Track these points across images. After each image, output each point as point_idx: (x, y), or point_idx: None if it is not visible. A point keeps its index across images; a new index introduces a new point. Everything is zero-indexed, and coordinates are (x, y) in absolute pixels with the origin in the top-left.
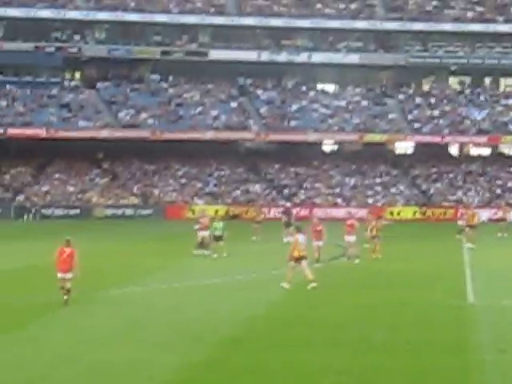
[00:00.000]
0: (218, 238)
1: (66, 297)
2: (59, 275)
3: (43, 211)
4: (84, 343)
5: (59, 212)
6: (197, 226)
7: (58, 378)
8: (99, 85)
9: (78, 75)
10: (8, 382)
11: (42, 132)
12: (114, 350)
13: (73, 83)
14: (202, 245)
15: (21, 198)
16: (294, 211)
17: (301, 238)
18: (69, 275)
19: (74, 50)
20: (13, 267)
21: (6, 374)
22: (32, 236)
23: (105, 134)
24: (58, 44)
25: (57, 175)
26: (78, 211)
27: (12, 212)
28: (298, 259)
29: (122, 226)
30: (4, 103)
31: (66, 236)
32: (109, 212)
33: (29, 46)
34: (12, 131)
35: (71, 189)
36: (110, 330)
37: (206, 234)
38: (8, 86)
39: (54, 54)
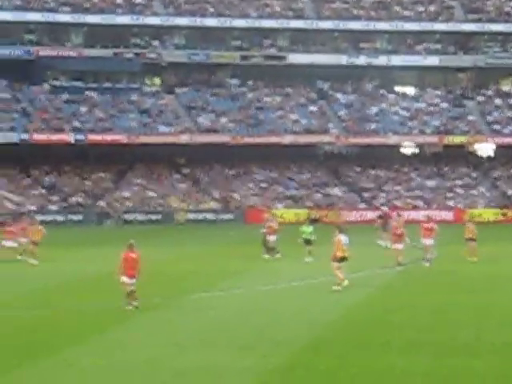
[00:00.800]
0: (306, 242)
1: (135, 302)
2: (125, 280)
3: (125, 216)
4: (167, 348)
5: (141, 217)
6: (264, 230)
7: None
8: (179, 90)
9: (157, 81)
10: None
11: (122, 138)
12: (196, 355)
13: (152, 89)
14: (269, 249)
15: (102, 203)
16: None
17: (343, 238)
18: (134, 280)
19: (154, 55)
20: (96, 273)
21: (96, 376)
22: (114, 241)
23: (185, 138)
24: (137, 50)
25: (137, 181)
26: (159, 216)
27: (94, 218)
28: (342, 259)
29: (203, 231)
30: (84, 109)
31: (146, 241)
32: (190, 217)
33: (108, 52)
34: (92, 137)
35: (152, 194)
36: (192, 335)
37: (273, 238)
38: (88, 93)
39: (134, 59)
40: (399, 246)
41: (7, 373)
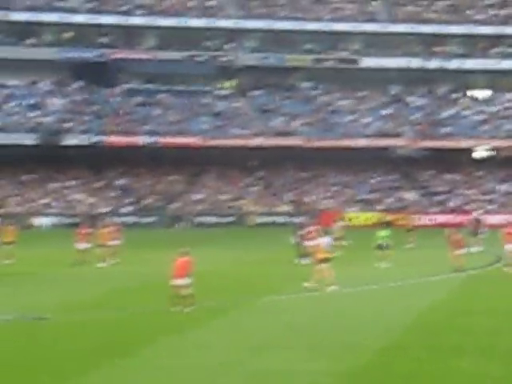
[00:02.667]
0: (379, 247)
1: (184, 307)
2: (173, 282)
3: (197, 219)
4: (243, 351)
5: (212, 220)
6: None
7: None
8: (251, 93)
9: (230, 84)
10: None
11: (195, 140)
12: (269, 357)
13: (225, 92)
14: (302, 254)
15: (174, 206)
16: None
17: (326, 240)
18: (183, 281)
19: (227, 58)
20: (170, 275)
21: (170, 377)
22: (186, 244)
23: (257, 141)
24: (211, 53)
25: (210, 183)
26: (231, 219)
27: (166, 220)
28: (323, 260)
29: (275, 234)
30: (158, 112)
31: (218, 244)
32: (261, 220)
33: (182, 55)
34: (166, 140)
35: (224, 197)
36: (264, 337)
37: (310, 243)
38: (161, 95)
39: (207, 62)
40: (460, 251)
41: (86, 373)
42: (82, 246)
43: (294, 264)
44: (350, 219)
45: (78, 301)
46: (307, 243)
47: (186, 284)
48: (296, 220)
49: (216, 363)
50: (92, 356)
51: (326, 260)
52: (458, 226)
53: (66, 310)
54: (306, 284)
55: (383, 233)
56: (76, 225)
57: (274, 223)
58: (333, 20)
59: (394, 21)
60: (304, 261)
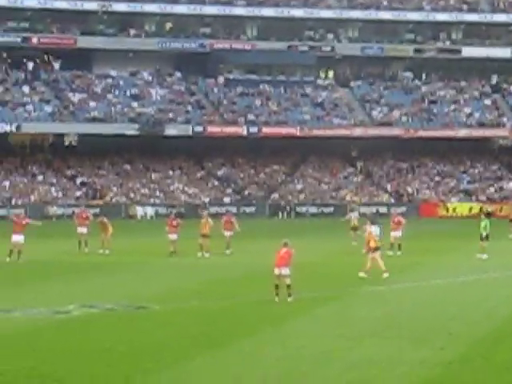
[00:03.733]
0: (481, 238)
1: (287, 297)
2: (275, 271)
3: (297, 209)
4: (340, 340)
5: (313, 210)
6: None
7: (319, 375)
8: (352, 83)
9: (331, 74)
10: (272, 375)
11: (295, 131)
12: (369, 347)
13: (326, 82)
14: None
15: (275, 196)
16: None
17: (374, 229)
18: (286, 271)
19: (328, 48)
20: (271, 265)
21: (272, 366)
22: (287, 234)
23: (358, 132)
24: (311, 43)
25: (311, 173)
26: (331, 209)
27: (267, 210)
28: (375, 249)
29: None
30: (258, 102)
31: (319, 234)
32: (362, 210)
33: (282, 45)
34: (266, 130)
35: (325, 187)
36: (364, 327)
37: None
38: (262, 86)
39: (308, 52)
40: None
41: (188, 361)
42: (173, 236)
43: (390, 255)
44: (452, 209)
45: (179, 290)
46: (392, 234)
47: (288, 274)
48: (398, 210)
49: (317, 353)
50: (194, 344)
51: (377, 248)
52: None
53: (167, 300)
54: (361, 274)
55: (483, 223)
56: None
57: (375, 214)
58: (434, 10)
59: (496, 10)
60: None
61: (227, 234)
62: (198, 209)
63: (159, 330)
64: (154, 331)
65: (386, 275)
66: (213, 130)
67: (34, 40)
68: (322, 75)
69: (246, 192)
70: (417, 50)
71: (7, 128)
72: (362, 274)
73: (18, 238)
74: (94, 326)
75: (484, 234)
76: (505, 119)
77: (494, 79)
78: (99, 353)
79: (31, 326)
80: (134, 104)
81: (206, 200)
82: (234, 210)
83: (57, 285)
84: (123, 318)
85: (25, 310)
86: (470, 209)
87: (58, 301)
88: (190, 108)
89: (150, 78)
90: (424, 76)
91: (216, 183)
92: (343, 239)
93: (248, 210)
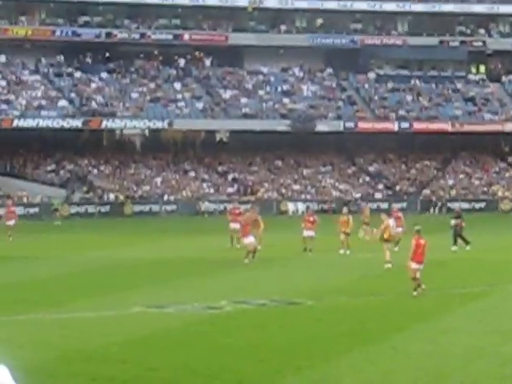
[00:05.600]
0: None
1: (420, 289)
2: (413, 266)
3: (449, 204)
4: (495, 335)
5: (465, 205)
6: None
7: (471, 371)
8: (504, 78)
9: (482, 69)
10: (422, 371)
11: (446, 126)
12: None
13: (477, 77)
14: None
15: (427, 191)
16: None
17: (391, 222)
18: (421, 266)
19: (479, 43)
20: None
21: (422, 363)
22: (440, 229)
23: (510, 127)
24: (463, 38)
25: (462, 169)
26: (483, 205)
27: (418, 205)
28: (387, 240)
29: None
30: (409, 98)
31: (470, 229)
32: None
33: (433, 40)
34: (417, 125)
35: (476, 182)
36: None
37: None
38: (413, 81)
39: (459, 48)
40: None
41: (339, 357)
42: (309, 233)
43: None
44: None
45: (329, 286)
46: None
47: (420, 268)
48: None
49: (468, 348)
50: (344, 341)
51: (387, 240)
52: None
53: (317, 296)
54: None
55: None
56: (327, 211)
57: None
58: None
59: None
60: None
61: (397, 231)
62: (349, 204)
63: (310, 326)
64: (306, 327)
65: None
66: (364, 125)
67: (186, 37)
68: (474, 70)
69: (398, 187)
70: None
71: (159, 124)
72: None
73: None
74: (246, 321)
75: None
76: None
77: None
78: (251, 348)
79: (184, 321)
80: (286, 100)
81: (357, 196)
82: (385, 205)
83: (209, 280)
84: (275, 313)
85: (177, 306)
86: None
87: (210, 296)
88: (340, 104)
89: (301, 74)
90: None
91: (367, 179)
92: (495, 235)
93: (399, 205)
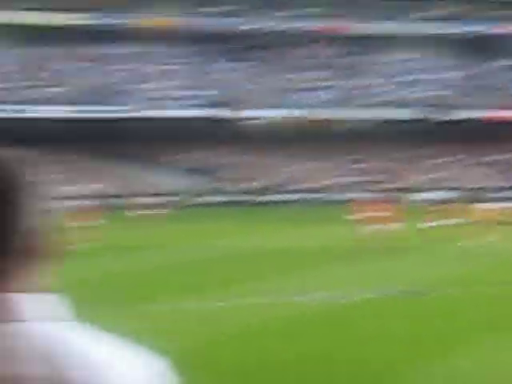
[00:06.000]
0: None
1: None
2: None
3: None
4: None
5: None
6: None
7: None
8: None
9: None
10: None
11: None
12: None
13: None
14: None
15: None
16: None
17: None
18: None
19: None
20: None
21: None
22: None
23: None
24: None
25: None
26: None
27: None
28: None
29: None
30: None
31: None
32: None
33: None
34: None
35: None
36: None
37: None
38: None
39: None
40: None
41: (469, 348)
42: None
43: None
44: None
45: (457, 275)
46: None
47: None
48: None
49: None
50: (474, 331)
51: None
52: None
53: (445, 285)
54: None
55: None
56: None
57: None
58: None
59: None
60: None
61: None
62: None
63: (437, 317)
64: (431, 318)
65: None
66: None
67: (323, 25)
68: None
69: None
70: None
71: (296, 113)
72: None
73: None
74: (371, 311)
75: None
76: None
77: None
78: (382, 338)
79: (312, 311)
80: (407, 90)
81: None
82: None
83: (335, 270)
84: (401, 303)
85: (305, 296)
86: None
87: (336, 286)
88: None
89: (428, 64)
90: None
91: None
92: None
93: None
